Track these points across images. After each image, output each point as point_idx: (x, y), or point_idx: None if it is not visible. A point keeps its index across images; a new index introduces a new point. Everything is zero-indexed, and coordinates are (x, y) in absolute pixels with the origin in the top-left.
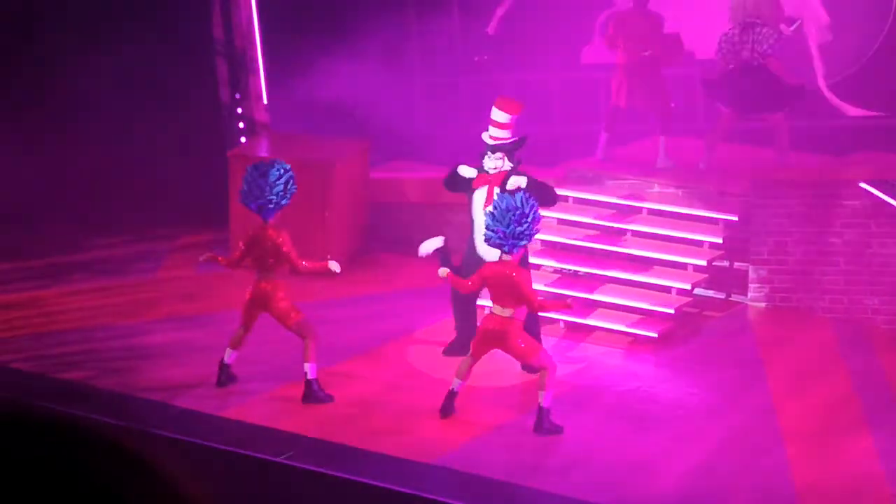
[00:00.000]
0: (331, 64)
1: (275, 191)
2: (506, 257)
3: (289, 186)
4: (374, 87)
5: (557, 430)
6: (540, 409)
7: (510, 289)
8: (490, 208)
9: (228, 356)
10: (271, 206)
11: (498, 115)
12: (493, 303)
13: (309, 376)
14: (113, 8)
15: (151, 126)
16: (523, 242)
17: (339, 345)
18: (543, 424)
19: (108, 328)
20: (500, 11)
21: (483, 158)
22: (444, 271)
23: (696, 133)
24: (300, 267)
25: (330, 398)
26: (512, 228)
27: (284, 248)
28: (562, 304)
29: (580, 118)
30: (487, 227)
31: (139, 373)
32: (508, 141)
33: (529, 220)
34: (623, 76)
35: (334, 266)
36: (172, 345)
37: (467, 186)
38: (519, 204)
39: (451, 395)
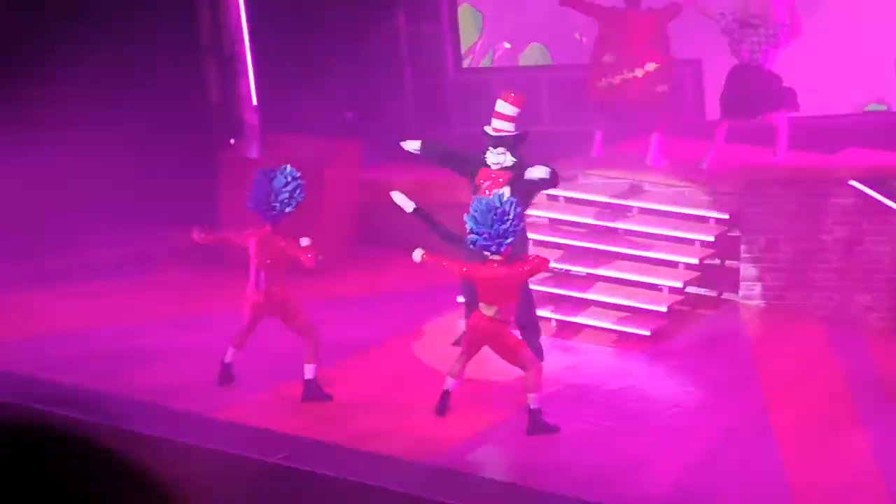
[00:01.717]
0: (320, 64)
1: (280, 198)
2: (494, 257)
3: (295, 194)
4: (363, 88)
5: (551, 429)
6: (530, 411)
7: (500, 288)
8: (471, 210)
9: (230, 355)
10: (275, 212)
11: (504, 107)
12: (480, 301)
13: (307, 376)
14: (100, 10)
15: (141, 128)
16: (509, 240)
17: (333, 345)
18: (536, 426)
19: (100, 330)
20: None
21: (485, 153)
22: (418, 254)
23: (687, 131)
24: (308, 263)
25: (329, 397)
26: (496, 228)
27: (289, 251)
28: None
29: (570, 117)
30: (471, 231)
31: (131, 375)
32: (511, 134)
33: (511, 216)
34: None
35: (305, 241)
36: (164, 347)
37: (466, 167)
38: (498, 203)
39: (446, 394)
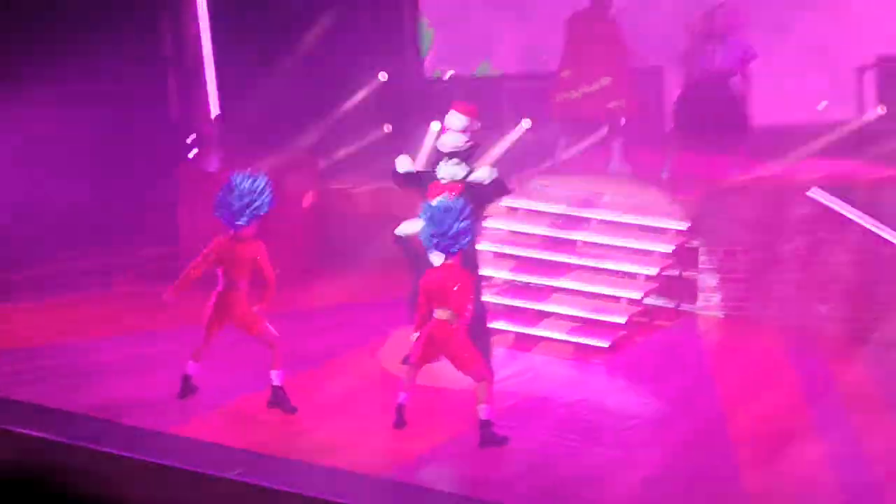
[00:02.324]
0: (281, 78)
1: (252, 204)
2: (449, 261)
3: (264, 198)
4: (324, 100)
5: (502, 441)
6: (481, 422)
7: (453, 293)
8: (424, 215)
9: (190, 368)
10: (244, 218)
11: (454, 119)
12: (436, 307)
13: (275, 383)
14: (61, 24)
15: (100, 141)
16: (466, 239)
17: (294, 357)
18: (487, 438)
19: (59, 345)
20: None
21: (437, 165)
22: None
23: (648, 140)
24: (272, 281)
25: (293, 409)
26: (455, 227)
27: (261, 262)
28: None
29: (532, 127)
30: (430, 234)
31: (89, 390)
32: (465, 146)
33: (465, 215)
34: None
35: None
36: (124, 361)
37: (420, 182)
38: (452, 203)
39: (400, 408)
